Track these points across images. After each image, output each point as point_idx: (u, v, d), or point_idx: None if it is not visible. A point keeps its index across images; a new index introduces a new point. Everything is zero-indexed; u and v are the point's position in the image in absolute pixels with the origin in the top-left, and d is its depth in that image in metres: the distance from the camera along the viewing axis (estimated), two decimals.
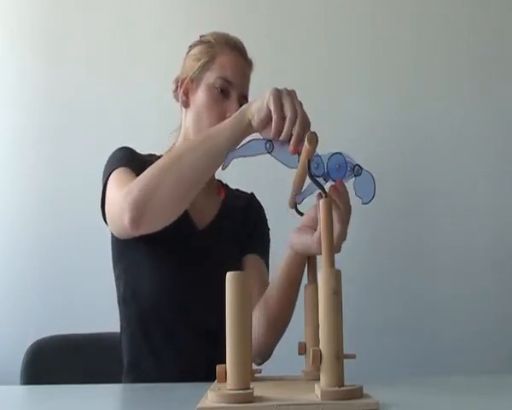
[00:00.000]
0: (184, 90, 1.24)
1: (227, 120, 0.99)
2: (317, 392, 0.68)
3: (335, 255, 0.72)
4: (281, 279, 1.05)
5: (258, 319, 1.10)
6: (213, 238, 1.24)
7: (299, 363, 0.91)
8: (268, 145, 0.81)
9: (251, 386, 0.68)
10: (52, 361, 1.37)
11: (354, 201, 0.89)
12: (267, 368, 1.02)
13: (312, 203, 0.93)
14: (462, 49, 1.81)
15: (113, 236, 1.21)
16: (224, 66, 1.21)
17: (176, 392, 0.92)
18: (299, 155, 0.84)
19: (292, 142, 0.88)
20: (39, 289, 1.73)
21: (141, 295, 1.18)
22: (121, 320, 1.23)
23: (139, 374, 1.18)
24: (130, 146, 1.23)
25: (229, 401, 0.65)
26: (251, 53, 1.27)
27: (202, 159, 0.97)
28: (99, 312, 1.60)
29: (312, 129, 0.87)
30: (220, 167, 0.97)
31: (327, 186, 0.82)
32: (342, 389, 0.66)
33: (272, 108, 0.90)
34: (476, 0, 1.83)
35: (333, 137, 1.17)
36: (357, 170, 0.83)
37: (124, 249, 1.21)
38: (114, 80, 1.81)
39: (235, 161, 0.93)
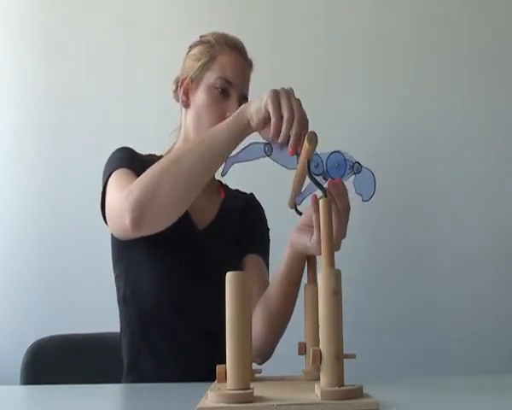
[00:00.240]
0: (184, 90, 1.24)
1: (226, 121, 0.99)
2: (317, 392, 0.68)
3: (335, 255, 0.72)
4: (281, 278, 1.05)
5: (258, 318, 1.10)
6: (213, 238, 1.24)
7: (299, 363, 0.91)
8: (267, 148, 0.81)
9: (251, 386, 0.68)
10: (52, 361, 1.37)
11: (354, 201, 0.89)
12: (267, 368, 1.02)
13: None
14: (462, 49, 1.81)
15: (113, 236, 1.20)
16: (224, 66, 1.21)
17: (176, 392, 0.92)
18: (298, 155, 0.84)
19: (290, 142, 0.88)
20: (39, 289, 1.73)
21: (141, 295, 1.18)
22: (121, 320, 1.23)
23: (139, 374, 1.18)
24: (130, 146, 1.23)
25: (229, 401, 0.65)
26: (251, 53, 1.27)
27: (202, 159, 0.97)
28: (99, 312, 1.60)
29: (312, 129, 0.87)
30: (220, 173, 0.97)
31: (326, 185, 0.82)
32: (342, 389, 0.66)
33: (270, 109, 0.90)
34: (476, 0, 1.83)
35: (333, 137, 1.17)
36: (356, 167, 0.83)
37: (124, 249, 1.21)
38: (114, 80, 1.81)
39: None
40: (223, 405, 0.65)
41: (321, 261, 0.72)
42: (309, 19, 1.82)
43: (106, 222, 1.13)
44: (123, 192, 1.00)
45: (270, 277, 1.24)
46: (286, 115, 0.88)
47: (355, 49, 1.81)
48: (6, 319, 1.71)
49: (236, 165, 0.93)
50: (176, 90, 1.29)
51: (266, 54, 1.66)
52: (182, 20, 1.82)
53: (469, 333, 1.69)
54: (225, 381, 0.69)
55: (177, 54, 1.31)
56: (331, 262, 0.71)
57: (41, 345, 1.38)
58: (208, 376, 0.88)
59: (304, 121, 0.89)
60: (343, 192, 0.86)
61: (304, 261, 1.00)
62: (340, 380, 0.67)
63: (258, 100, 0.93)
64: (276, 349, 1.16)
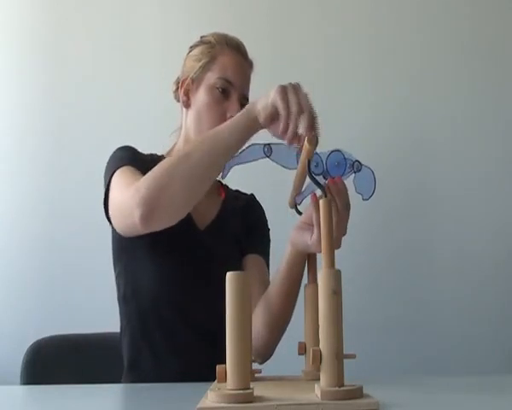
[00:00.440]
0: (185, 90, 1.25)
1: (234, 118, 0.98)
2: (317, 392, 0.68)
3: (335, 254, 0.72)
4: (281, 277, 1.05)
5: (258, 318, 1.10)
6: (214, 239, 1.24)
7: (299, 363, 0.91)
8: (266, 149, 0.81)
9: (251, 386, 0.68)
10: (52, 361, 1.37)
11: (354, 200, 0.89)
12: (267, 368, 1.02)
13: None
14: (462, 49, 1.81)
15: (113, 234, 1.21)
16: (225, 66, 1.21)
17: (176, 392, 0.92)
18: (297, 155, 0.84)
19: (302, 136, 0.87)
20: (39, 289, 1.73)
21: (141, 294, 1.18)
22: (121, 319, 1.23)
23: (139, 374, 1.18)
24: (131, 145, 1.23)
25: (229, 401, 0.65)
26: (251, 53, 1.27)
27: (210, 155, 0.97)
28: (99, 312, 1.60)
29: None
30: (220, 176, 0.97)
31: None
32: (342, 389, 0.66)
33: (278, 105, 0.90)
34: (476, 0, 1.83)
35: (333, 136, 1.17)
36: (356, 166, 0.83)
37: (124, 248, 1.21)
38: (114, 80, 1.81)
39: None
40: (223, 405, 0.65)
41: (321, 261, 0.72)
42: (309, 19, 1.82)
43: (109, 220, 1.12)
44: (131, 188, 1.00)
45: (270, 276, 1.24)
46: (294, 109, 0.88)
47: (355, 49, 1.81)
48: (6, 319, 1.71)
49: (236, 166, 0.93)
50: (176, 91, 1.29)
51: (266, 54, 1.66)
52: (182, 20, 1.82)
53: (469, 333, 1.69)
54: (225, 381, 0.69)
55: (177, 54, 1.31)
56: (331, 262, 0.71)
57: (41, 345, 1.38)
58: (208, 376, 0.88)
59: (312, 114, 0.88)
60: (343, 190, 0.86)
61: (304, 260, 1.00)
62: (340, 380, 0.67)
63: (266, 96, 0.93)
64: (276, 349, 1.16)
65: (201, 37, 1.28)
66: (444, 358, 1.67)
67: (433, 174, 1.78)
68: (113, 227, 1.15)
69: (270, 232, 1.35)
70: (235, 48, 1.24)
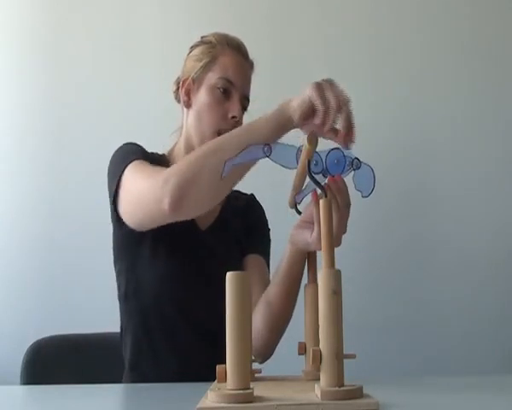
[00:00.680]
0: (186, 90, 1.24)
1: (267, 115, 0.98)
2: (317, 392, 0.68)
3: (336, 253, 0.72)
4: (281, 276, 1.05)
5: (258, 317, 1.11)
6: (215, 239, 1.24)
7: (299, 363, 0.91)
8: (266, 149, 0.81)
9: (251, 386, 0.68)
10: (52, 361, 1.37)
11: (354, 200, 0.89)
12: (267, 368, 1.02)
13: (311, 199, 0.93)
14: (462, 49, 1.81)
15: (115, 232, 1.21)
16: (226, 66, 1.21)
17: (176, 392, 0.92)
18: (297, 155, 0.84)
19: (342, 128, 0.88)
20: (39, 289, 1.73)
21: (142, 293, 1.18)
22: (122, 318, 1.24)
23: (139, 374, 1.18)
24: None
25: (229, 401, 0.65)
26: (251, 53, 1.27)
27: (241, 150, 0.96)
28: (99, 312, 1.60)
29: None
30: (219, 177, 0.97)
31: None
32: (342, 389, 0.66)
33: (316, 101, 0.90)
34: (476, 0, 1.83)
35: None
36: (356, 164, 0.83)
37: (126, 246, 1.21)
38: (114, 80, 1.81)
39: None
40: (223, 405, 0.65)
41: (321, 260, 0.72)
42: (309, 19, 1.82)
43: (116, 215, 1.12)
44: (158, 177, 1.00)
45: (270, 276, 1.24)
46: (332, 103, 0.89)
47: (355, 49, 1.81)
48: (6, 319, 1.71)
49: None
50: (176, 91, 1.29)
51: (266, 54, 1.66)
52: (182, 20, 1.82)
53: (469, 333, 1.69)
54: (225, 381, 0.69)
55: (177, 54, 1.30)
56: (331, 262, 0.71)
57: (41, 345, 1.38)
58: (208, 376, 0.88)
59: (350, 109, 0.90)
60: (343, 189, 0.86)
61: (304, 259, 1.00)
62: (340, 380, 0.67)
63: (301, 94, 0.94)
64: (276, 349, 1.16)
65: (202, 37, 1.28)
66: (444, 358, 1.67)
67: (433, 174, 1.78)
68: (116, 223, 1.16)
69: (271, 232, 1.35)
70: (235, 48, 1.24)
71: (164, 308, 1.18)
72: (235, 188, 1.36)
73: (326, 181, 0.84)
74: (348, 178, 0.85)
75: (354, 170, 0.84)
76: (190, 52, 1.28)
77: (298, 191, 0.93)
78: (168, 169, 1.01)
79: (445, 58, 1.81)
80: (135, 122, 1.76)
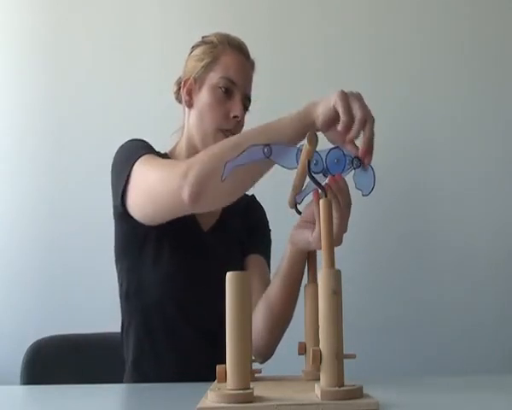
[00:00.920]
0: (187, 90, 1.24)
1: (290, 117, 0.97)
2: (317, 392, 0.68)
3: (336, 253, 0.72)
4: (282, 276, 1.05)
5: (259, 317, 1.11)
6: (217, 239, 1.25)
7: (299, 363, 0.91)
8: (266, 150, 0.81)
9: (251, 386, 0.68)
10: (52, 361, 1.37)
11: (355, 201, 0.89)
12: (267, 368, 1.02)
13: (312, 198, 0.93)
14: (462, 49, 1.81)
15: (118, 230, 1.21)
16: (228, 66, 1.21)
17: (176, 392, 0.92)
18: (297, 155, 0.84)
19: (363, 144, 0.87)
20: (39, 289, 1.73)
21: (144, 292, 1.18)
22: (123, 317, 1.24)
23: (141, 374, 1.18)
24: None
25: (229, 401, 0.65)
26: (251, 53, 1.27)
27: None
28: (99, 312, 1.60)
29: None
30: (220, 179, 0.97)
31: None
32: (342, 389, 0.66)
33: (340, 110, 0.89)
34: (476, 0, 1.83)
35: None
36: (356, 162, 0.83)
37: (129, 246, 1.21)
38: (114, 80, 1.81)
39: None
40: (223, 405, 0.65)
41: (321, 260, 0.72)
42: (309, 19, 1.82)
43: (122, 211, 1.11)
44: (172, 169, 1.00)
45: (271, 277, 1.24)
46: (359, 115, 0.88)
47: (355, 49, 1.81)
48: (6, 319, 1.71)
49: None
50: (177, 91, 1.29)
51: (266, 54, 1.66)
52: (182, 20, 1.82)
53: (469, 333, 1.69)
54: (225, 381, 0.69)
55: (177, 54, 1.31)
56: (331, 262, 0.71)
57: (41, 345, 1.38)
58: (208, 376, 0.88)
59: (373, 128, 0.89)
60: (344, 189, 0.86)
61: (304, 259, 1.00)
62: (340, 380, 0.67)
63: (326, 100, 0.92)
64: (276, 349, 1.16)
65: (203, 37, 1.28)
66: (444, 358, 1.67)
67: (433, 174, 1.78)
68: (120, 221, 1.16)
69: (271, 233, 1.35)
70: (237, 48, 1.24)
71: (166, 308, 1.18)
72: None
73: (326, 181, 0.84)
74: (349, 178, 0.85)
75: (354, 169, 0.84)
76: (192, 52, 1.28)
77: (298, 191, 0.93)
78: (187, 161, 1.00)
79: (445, 58, 1.81)
80: (135, 122, 1.76)
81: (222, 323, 0.71)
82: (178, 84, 1.29)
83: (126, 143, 1.19)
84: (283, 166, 0.83)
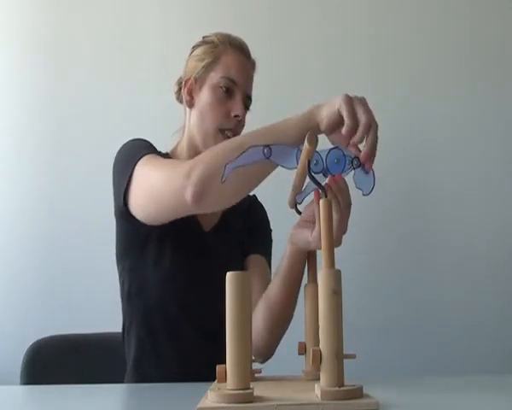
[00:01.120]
0: (188, 90, 1.24)
1: (294, 119, 0.97)
2: (317, 392, 0.68)
3: (336, 253, 0.72)
4: (282, 276, 1.05)
5: (259, 317, 1.11)
6: (218, 240, 1.25)
7: (299, 363, 0.91)
8: (266, 151, 0.81)
9: (251, 386, 0.68)
10: (52, 361, 1.37)
11: (355, 201, 0.89)
12: (267, 368, 1.02)
13: (311, 198, 0.93)
14: (462, 49, 1.81)
15: (119, 231, 1.21)
16: (229, 65, 1.21)
17: (176, 392, 0.92)
18: (297, 155, 0.84)
19: (366, 149, 0.86)
20: (39, 289, 1.73)
21: (146, 292, 1.18)
22: (124, 317, 1.24)
23: (142, 374, 1.18)
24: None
25: (229, 401, 0.65)
26: (251, 53, 1.27)
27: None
28: (99, 312, 1.60)
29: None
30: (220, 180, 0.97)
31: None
32: (342, 389, 0.66)
33: (345, 113, 0.89)
34: (476, 0, 1.83)
35: None
36: (356, 162, 0.83)
37: (130, 246, 1.21)
38: (114, 80, 1.81)
39: None
40: (223, 405, 0.65)
41: (321, 260, 0.72)
42: (309, 19, 1.82)
43: (124, 211, 1.11)
44: (174, 169, 1.00)
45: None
46: (364, 120, 0.88)
47: (355, 49, 1.81)
48: (6, 319, 1.71)
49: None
50: (178, 91, 1.30)
51: (266, 54, 1.66)
52: (182, 20, 1.82)
53: (469, 333, 1.69)
54: (225, 381, 0.69)
55: (177, 54, 1.31)
56: (331, 262, 0.71)
57: (41, 345, 1.39)
58: (209, 376, 0.88)
59: (377, 133, 0.89)
60: (344, 189, 0.86)
61: (304, 258, 1.00)
62: (340, 380, 0.67)
63: (330, 103, 0.92)
64: (277, 349, 1.16)
65: (204, 37, 1.28)
66: (444, 358, 1.67)
67: (433, 174, 1.78)
68: (122, 221, 1.16)
69: (272, 233, 1.35)
70: (238, 48, 1.24)
71: (167, 308, 1.18)
72: None
73: (327, 181, 0.84)
74: (349, 179, 0.85)
75: (354, 168, 0.84)
76: (192, 52, 1.28)
77: (298, 191, 0.93)
78: (189, 161, 1.00)
79: (445, 58, 1.81)
80: (135, 122, 1.76)
81: (222, 323, 0.71)
82: (179, 84, 1.29)
83: (128, 142, 1.19)
84: (283, 167, 0.83)
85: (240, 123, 1.22)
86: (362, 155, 0.86)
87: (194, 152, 1.18)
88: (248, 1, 1.84)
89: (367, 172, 0.84)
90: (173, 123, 1.32)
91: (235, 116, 1.20)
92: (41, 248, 1.75)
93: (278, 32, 1.82)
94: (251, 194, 1.37)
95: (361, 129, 0.88)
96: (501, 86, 1.80)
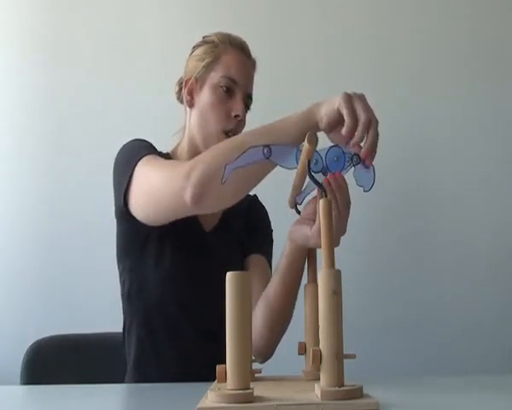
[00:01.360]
0: (189, 90, 1.24)
1: (293, 117, 0.97)
2: (317, 392, 0.68)
3: (336, 253, 0.72)
4: (281, 274, 1.05)
5: (259, 316, 1.11)
6: (219, 240, 1.25)
7: (299, 363, 0.91)
8: (266, 151, 0.81)
9: (251, 386, 0.68)
10: (52, 361, 1.37)
11: (354, 200, 0.89)
12: (267, 368, 1.02)
13: (312, 195, 0.93)
14: (462, 49, 1.81)
15: (120, 230, 1.21)
16: (229, 65, 1.21)
17: (176, 392, 0.92)
18: (297, 155, 0.84)
19: (367, 147, 0.86)
20: (39, 289, 1.73)
21: (147, 292, 1.18)
22: (125, 317, 1.24)
23: (141, 374, 1.18)
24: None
25: (229, 401, 0.65)
26: (251, 53, 1.27)
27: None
28: (99, 312, 1.60)
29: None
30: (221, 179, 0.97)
31: None
32: (342, 389, 0.66)
33: (345, 112, 0.89)
34: (476, 0, 1.83)
35: None
36: (355, 159, 0.83)
37: (131, 246, 1.21)
38: (114, 80, 1.81)
39: None
40: (223, 405, 0.65)
41: (321, 260, 0.72)
42: (309, 19, 1.82)
43: (124, 211, 1.11)
44: (174, 170, 1.00)
45: None
46: (363, 118, 0.88)
47: (355, 49, 1.81)
48: (6, 319, 1.71)
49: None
50: (179, 92, 1.29)
51: (266, 54, 1.66)
52: (182, 20, 1.82)
53: (469, 333, 1.69)
54: (225, 381, 0.69)
55: (177, 54, 1.31)
56: (331, 262, 0.71)
57: (41, 345, 1.38)
58: (209, 376, 0.88)
59: (377, 129, 0.89)
60: (343, 187, 0.86)
61: (304, 256, 0.99)
62: (340, 380, 0.67)
63: (330, 102, 0.92)
64: (276, 349, 1.16)
65: (204, 37, 1.28)
66: (444, 358, 1.67)
67: (433, 174, 1.78)
68: (122, 221, 1.16)
69: (273, 233, 1.35)
70: (238, 47, 1.24)
71: (167, 308, 1.18)
72: None
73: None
74: (349, 179, 0.85)
75: (354, 166, 0.84)
76: (192, 52, 1.28)
77: (298, 191, 0.93)
78: (189, 161, 0.99)
79: (445, 58, 1.81)
80: (135, 122, 1.76)
81: (222, 323, 0.71)
82: (180, 84, 1.29)
83: (128, 142, 1.19)
84: (283, 167, 0.83)
85: (240, 123, 1.22)
86: (362, 152, 0.86)
87: (194, 152, 1.18)
88: (248, 1, 1.84)
89: (367, 169, 0.84)
90: (173, 123, 1.32)
91: (236, 116, 1.20)
92: (41, 248, 1.75)
93: (278, 32, 1.82)
94: (251, 194, 1.37)
95: (360, 128, 0.88)
96: (501, 86, 1.80)
